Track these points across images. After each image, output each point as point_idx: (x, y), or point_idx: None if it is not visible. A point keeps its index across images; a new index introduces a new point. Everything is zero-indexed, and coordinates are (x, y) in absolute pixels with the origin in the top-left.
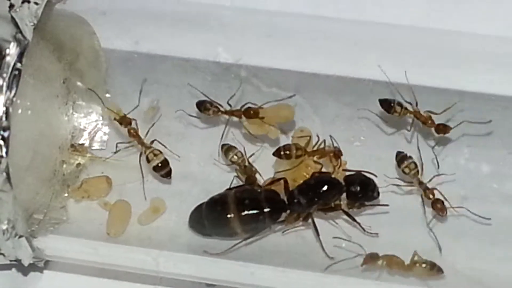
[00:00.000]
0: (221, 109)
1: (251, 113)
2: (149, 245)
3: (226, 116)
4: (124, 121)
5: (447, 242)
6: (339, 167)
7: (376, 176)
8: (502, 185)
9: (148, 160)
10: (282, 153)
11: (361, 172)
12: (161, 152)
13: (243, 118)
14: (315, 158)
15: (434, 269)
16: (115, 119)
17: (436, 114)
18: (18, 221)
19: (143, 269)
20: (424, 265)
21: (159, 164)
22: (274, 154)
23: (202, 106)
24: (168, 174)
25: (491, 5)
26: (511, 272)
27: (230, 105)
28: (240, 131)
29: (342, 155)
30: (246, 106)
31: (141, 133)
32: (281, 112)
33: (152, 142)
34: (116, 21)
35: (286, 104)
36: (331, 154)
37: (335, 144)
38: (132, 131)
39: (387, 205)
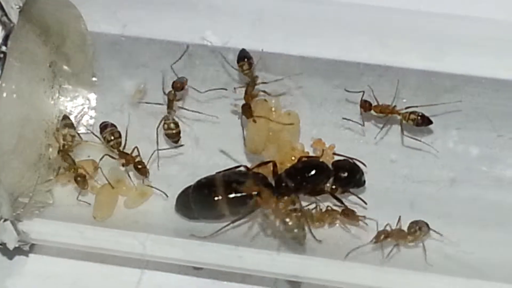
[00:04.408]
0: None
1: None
2: (136, 228)
3: None
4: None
5: (436, 224)
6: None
7: (365, 165)
8: (491, 168)
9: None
10: None
11: (352, 159)
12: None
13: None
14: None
15: None
16: None
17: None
18: (3, 205)
19: (130, 252)
20: None
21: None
22: None
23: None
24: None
25: None
26: (500, 255)
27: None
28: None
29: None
30: None
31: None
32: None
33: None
34: (103, 4)
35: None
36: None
37: None
38: None
39: (365, 202)
